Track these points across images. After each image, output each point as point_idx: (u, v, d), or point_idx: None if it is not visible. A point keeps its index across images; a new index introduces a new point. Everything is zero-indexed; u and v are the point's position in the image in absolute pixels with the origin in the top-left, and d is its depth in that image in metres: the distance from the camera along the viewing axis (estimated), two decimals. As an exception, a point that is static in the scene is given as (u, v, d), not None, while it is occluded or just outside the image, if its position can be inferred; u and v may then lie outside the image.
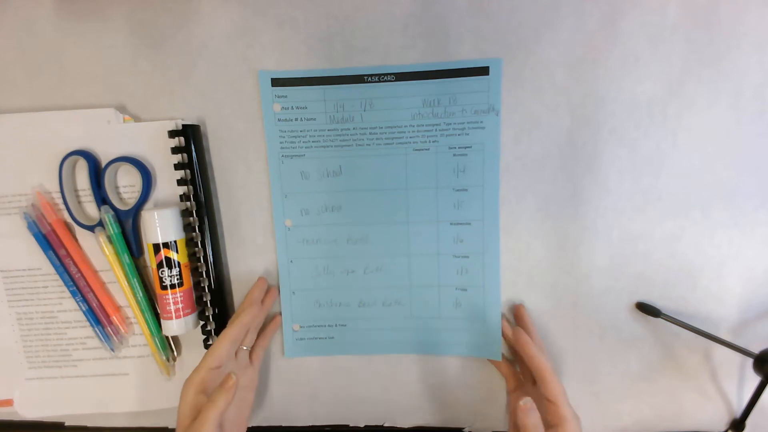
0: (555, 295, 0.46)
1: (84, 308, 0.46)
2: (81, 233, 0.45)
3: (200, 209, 0.43)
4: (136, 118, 0.44)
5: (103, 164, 0.44)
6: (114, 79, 0.44)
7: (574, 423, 0.38)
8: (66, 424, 0.50)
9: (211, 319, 0.45)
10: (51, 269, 0.45)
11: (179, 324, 0.43)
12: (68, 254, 0.45)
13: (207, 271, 0.44)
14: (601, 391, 0.47)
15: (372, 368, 0.48)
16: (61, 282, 0.46)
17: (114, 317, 0.46)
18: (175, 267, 0.42)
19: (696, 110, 0.42)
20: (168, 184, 0.44)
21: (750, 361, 0.42)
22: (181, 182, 0.43)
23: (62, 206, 0.45)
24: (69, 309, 0.47)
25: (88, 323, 0.46)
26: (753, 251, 0.44)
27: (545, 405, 0.39)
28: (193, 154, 0.43)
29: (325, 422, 0.49)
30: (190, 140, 0.43)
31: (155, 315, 0.45)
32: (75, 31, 0.44)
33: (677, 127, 0.42)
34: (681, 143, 0.43)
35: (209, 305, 0.45)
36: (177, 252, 0.42)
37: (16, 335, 0.47)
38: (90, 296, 0.46)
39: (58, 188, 0.44)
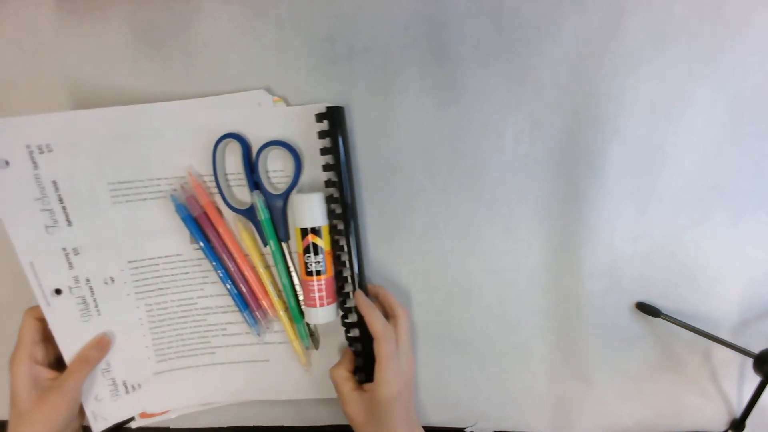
0: (555, 295, 0.46)
1: (234, 292, 0.44)
2: (227, 217, 0.45)
3: (345, 195, 0.42)
4: (286, 101, 0.43)
5: (254, 147, 0.43)
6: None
7: (390, 384, 0.39)
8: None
9: (353, 311, 0.44)
10: (191, 255, 0.44)
11: (323, 312, 0.42)
12: (219, 237, 0.44)
13: (350, 261, 0.43)
14: (601, 392, 0.47)
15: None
16: (202, 267, 0.45)
17: (263, 301, 0.45)
18: (320, 253, 0.42)
19: (697, 110, 0.42)
20: (311, 169, 0.43)
21: (750, 361, 0.42)
22: (327, 167, 0.42)
23: (213, 190, 0.44)
24: (210, 294, 0.45)
25: (228, 309, 0.45)
26: (753, 251, 0.44)
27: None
28: (339, 138, 0.41)
29: (326, 422, 0.49)
30: (335, 124, 0.41)
31: (297, 302, 0.45)
32: (75, 31, 0.44)
33: (678, 126, 0.42)
34: (682, 143, 0.43)
35: (351, 296, 0.43)
36: (322, 238, 0.42)
37: (145, 328, 0.45)
38: (239, 280, 0.45)
39: (206, 172, 0.43)
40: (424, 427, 0.49)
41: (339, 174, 0.41)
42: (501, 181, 0.44)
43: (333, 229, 0.43)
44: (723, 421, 0.47)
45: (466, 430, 0.49)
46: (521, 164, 0.44)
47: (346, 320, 0.44)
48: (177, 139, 0.43)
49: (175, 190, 0.43)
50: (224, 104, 0.43)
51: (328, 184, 0.42)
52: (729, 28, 0.41)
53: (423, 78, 0.43)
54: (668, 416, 0.47)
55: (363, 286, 0.44)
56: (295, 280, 0.45)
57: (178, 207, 0.43)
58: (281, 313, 0.45)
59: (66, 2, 0.43)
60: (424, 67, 0.43)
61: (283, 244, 0.44)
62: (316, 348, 0.47)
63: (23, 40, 0.44)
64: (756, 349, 0.42)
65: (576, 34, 0.42)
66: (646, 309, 0.45)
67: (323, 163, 0.42)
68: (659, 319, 0.44)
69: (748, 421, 0.45)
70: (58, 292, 0.42)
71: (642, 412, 0.47)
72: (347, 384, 0.42)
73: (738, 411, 0.47)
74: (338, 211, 0.42)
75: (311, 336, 0.46)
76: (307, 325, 0.46)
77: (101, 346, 0.43)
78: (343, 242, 0.43)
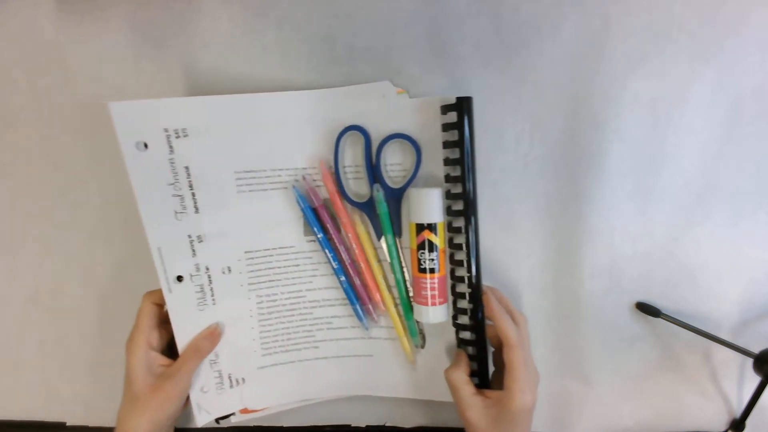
0: (556, 296, 0.46)
1: (346, 285, 0.44)
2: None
3: (468, 191, 0.40)
4: (409, 93, 0.42)
5: (375, 140, 0.42)
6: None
7: (526, 394, 0.37)
8: (68, 423, 0.50)
9: (468, 313, 0.42)
10: (303, 247, 0.44)
11: (434, 311, 0.41)
12: (337, 229, 0.43)
13: (468, 260, 0.41)
14: (601, 392, 0.47)
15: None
16: (313, 260, 0.44)
17: (375, 295, 0.44)
18: (434, 250, 0.41)
19: (697, 110, 0.42)
20: (427, 163, 0.42)
21: (750, 361, 0.42)
22: (448, 162, 0.41)
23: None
24: (318, 287, 0.45)
25: (335, 303, 0.45)
26: (753, 251, 0.44)
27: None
28: (465, 130, 0.39)
29: (326, 422, 0.49)
30: (464, 115, 0.39)
31: (409, 298, 0.44)
32: (75, 31, 0.44)
33: (678, 126, 0.42)
34: (682, 143, 0.43)
35: (467, 297, 0.41)
36: (437, 235, 0.41)
37: (254, 321, 0.45)
38: (353, 273, 0.44)
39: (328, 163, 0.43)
40: (424, 428, 0.49)
41: (464, 168, 0.39)
42: (501, 181, 0.44)
43: (449, 227, 0.42)
44: (723, 421, 0.47)
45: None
46: (521, 164, 0.44)
47: (458, 321, 0.43)
48: (300, 129, 0.42)
49: (297, 180, 0.43)
50: (349, 95, 0.42)
51: (449, 179, 0.41)
52: (729, 29, 0.41)
53: (423, 78, 0.43)
54: (668, 416, 0.47)
55: (480, 288, 0.41)
56: (407, 276, 0.44)
57: (300, 197, 0.42)
58: (392, 308, 0.44)
59: (66, 2, 0.43)
60: (424, 67, 0.43)
61: (399, 239, 0.44)
62: (423, 347, 0.46)
63: (23, 40, 0.44)
64: (756, 349, 0.42)
65: (576, 34, 0.42)
66: (646, 309, 0.45)
67: (444, 157, 0.41)
68: (659, 319, 0.44)
69: (748, 421, 0.45)
70: (179, 279, 0.42)
71: (642, 412, 0.47)
72: (467, 388, 0.40)
73: (738, 411, 0.47)
74: (455, 207, 0.41)
75: (419, 333, 0.45)
76: (416, 322, 0.45)
77: (213, 336, 0.43)
78: (458, 240, 0.41)
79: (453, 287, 0.43)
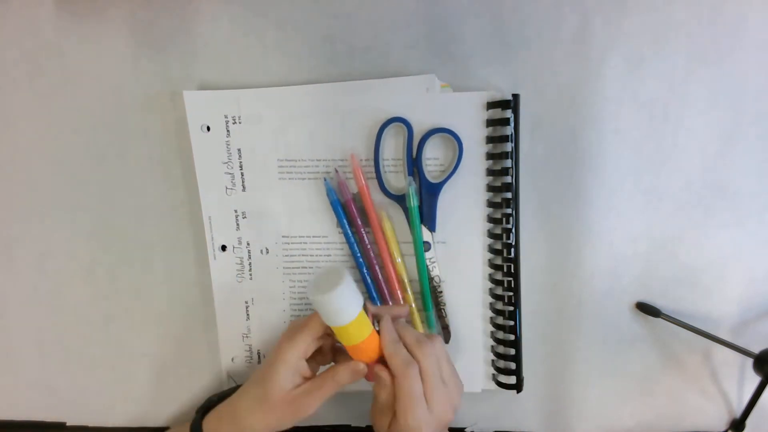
0: (557, 296, 0.46)
1: (368, 280, 0.44)
2: (377, 203, 0.44)
3: (517, 185, 0.42)
4: (454, 87, 0.42)
5: (416, 134, 0.42)
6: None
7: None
8: (68, 423, 0.50)
9: (506, 316, 0.43)
10: (336, 238, 0.45)
11: None
12: (366, 223, 0.44)
13: (513, 260, 0.42)
14: (602, 393, 0.47)
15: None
16: (343, 252, 0.45)
17: (398, 291, 0.45)
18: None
19: (697, 110, 0.42)
20: (464, 157, 0.42)
21: (750, 361, 0.42)
22: (492, 156, 0.42)
23: (370, 174, 0.43)
24: None
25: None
26: (753, 252, 0.44)
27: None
28: (510, 127, 0.40)
29: (325, 422, 0.49)
30: (516, 111, 0.41)
31: (431, 290, 0.44)
32: (75, 31, 0.44)
33: (678, 126, 0.42)
34: (682, 143, 0.43)
35: (506, 300, 0.43)
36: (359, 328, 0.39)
37: (286, 303, 0.46)
38: (376, 268, 0.44)
39: (364, 156, 0.43)
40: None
41: (516, 162, 0.41)
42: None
43: (489, 218, 0.43)
44: (723, 421, 0.47)
45: (466, 430, 0.49)
46: (522, 164, 0.44)
47: (495, 322, 0.44)
48: (342, 120, 0.43)
49: (328, 173, 0.44)
50: (392, 87, 0.43)
51: (491, 172, 0.42)
52: (728, 29, 0.41)
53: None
54: (668, 416, 0.47)
55: (519, 274, 0.43)
56: (436, 271, 0.44)
57: (329, 190, 0.43)
58: (411, 301, 0.45)
59: (66, 2, 0.43)
60: (425, 67, 0.43)
61: (432, 234, 0.44)
62: (447, 341, 0.45)
63: (23, 40, 0.44)
64: (756, 349, 0.42)
65: (576, 34, 0.42)
66: (646, 309, 0.45)
67: (486, 152, 0.42)
68: (659, 319, 0.44)
69: (748, 421, 0.45)
70: (223, 248, 0.46)
71: (642, 413, 0.47)
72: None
73: (738, 411, 0.47)
74: (494, 199, 0.42)
75: (444, 329, 0.45)
76: (441, 317, 0.45)
77: (356, 374, 0.38)
78: (496, 231, 0.43)
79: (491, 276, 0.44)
